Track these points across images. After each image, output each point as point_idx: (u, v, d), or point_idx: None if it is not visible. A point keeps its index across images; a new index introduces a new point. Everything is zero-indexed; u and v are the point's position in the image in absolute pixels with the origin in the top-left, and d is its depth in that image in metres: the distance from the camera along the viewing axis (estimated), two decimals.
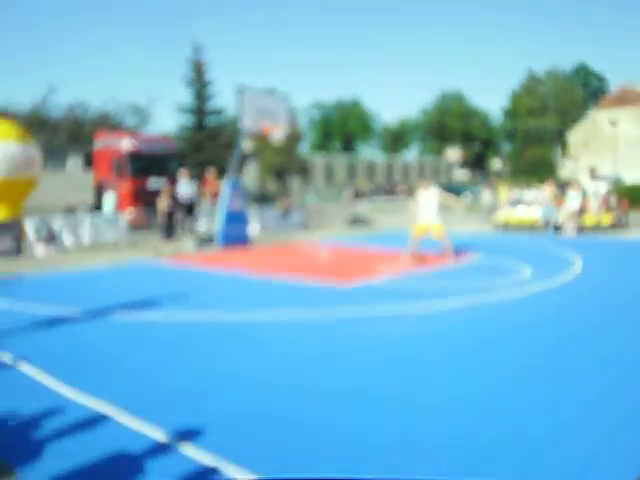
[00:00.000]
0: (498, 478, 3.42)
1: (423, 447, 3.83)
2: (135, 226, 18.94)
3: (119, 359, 6.04)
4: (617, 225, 19.51)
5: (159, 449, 3.86)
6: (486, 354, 5.95)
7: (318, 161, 72.04)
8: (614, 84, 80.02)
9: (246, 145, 39.32)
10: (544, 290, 9.27)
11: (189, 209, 17.84)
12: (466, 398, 4.69)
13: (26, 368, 5.71)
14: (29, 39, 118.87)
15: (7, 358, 6.07)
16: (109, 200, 21.14)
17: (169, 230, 16.10)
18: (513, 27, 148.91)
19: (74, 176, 33.05)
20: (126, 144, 23.90)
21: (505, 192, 25.43)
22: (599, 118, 62.44)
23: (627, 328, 6.98)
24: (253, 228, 19.85)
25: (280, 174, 56.62)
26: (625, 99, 63.05)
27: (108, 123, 43.40)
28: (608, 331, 6.83)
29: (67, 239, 17.24)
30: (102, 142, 25.85)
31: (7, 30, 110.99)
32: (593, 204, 20.22)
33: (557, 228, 19.50)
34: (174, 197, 16.94)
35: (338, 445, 3.88)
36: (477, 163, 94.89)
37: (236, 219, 16.63)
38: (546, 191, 19.96)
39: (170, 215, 16.13)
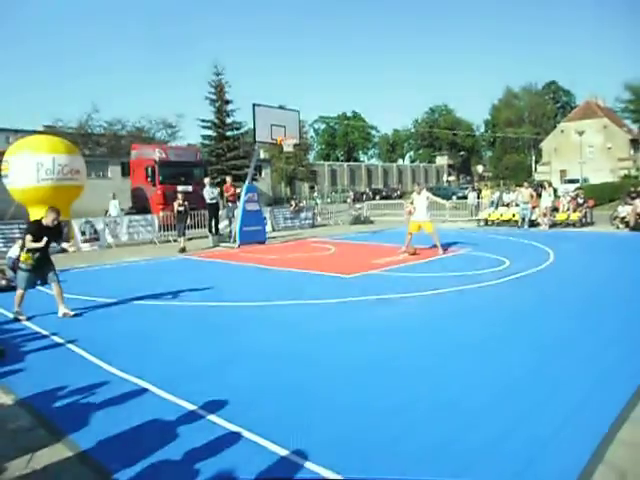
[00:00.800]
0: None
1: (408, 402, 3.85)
2: (167, 226, 19.00)
3: (155, 339, 6.09)
4: (584, 221, 19.41)
5: (188, 418, 3.90)
6: (468, 325, 5.95)
7: (324, 168, 71.97)
8: (580, 99, 79.47)
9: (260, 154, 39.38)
10: (523, 276, 9.26)
11: (213, 211, 17.86)
12: (441, 354, 4.71)
13: (75, 349, 5.77)
14: (77, 67, 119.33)
15: (60, 340, 6.14)
16: (113, 206, 21.60)
17: (183, 228, 15.96)
18: (493, 50, 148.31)
19: (114, 183, 33.15)
20: (157, 154, 23.94)
21: (487, 193, 25.36)
22: (567, 128, 62.09)
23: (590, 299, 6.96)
24: (267, 227, 19.88)
25: (291, 179, 56.66)
26: (589, 112, 62.71)
27: (142, 136, 43.53)
28: (575, 301, 6.82)
29: (108, 238, 17.33)
30: (137, 153, 25.91)
31: (58, 59, 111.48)
32: (563, 203, 20.16)
33: (532, 224, 19.47)
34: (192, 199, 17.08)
35: (342, 408, 3.91)
36: (463, 168, 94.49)
37: (253, 219, 16.66)
38: (523, 192, 19.89)
39: (182, 215, 15.95)
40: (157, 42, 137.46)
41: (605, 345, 5.32)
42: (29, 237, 7.10)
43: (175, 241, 18.23)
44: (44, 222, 7.31)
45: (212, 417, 3.88)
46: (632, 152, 57.52)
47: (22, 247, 7.44)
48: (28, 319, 7.18)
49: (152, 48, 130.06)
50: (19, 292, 7.34)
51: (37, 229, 7.23)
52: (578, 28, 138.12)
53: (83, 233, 16.71)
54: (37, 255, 7.23)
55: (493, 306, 7.28)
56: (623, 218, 17.87)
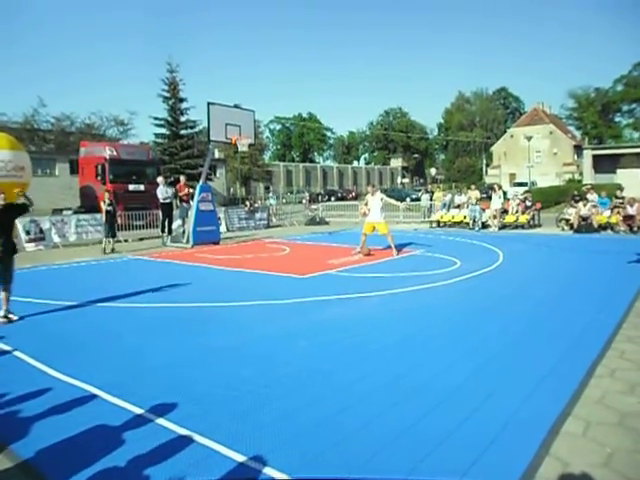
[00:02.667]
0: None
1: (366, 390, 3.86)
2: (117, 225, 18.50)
3: (105, 343, 5.89)
4: (532, 223, 20.06)
5: (138, 422, 3.78)
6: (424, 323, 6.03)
7: (280, 168, 71.80)
8: (528, 105, 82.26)
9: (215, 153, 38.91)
10: (474, 275, 9.47)
11: (167, 211, 17.52)
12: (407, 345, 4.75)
13: (19, 354, 5.52)
14: (20, 55, 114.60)
15: (2, 346, 5.86)
16: None
17: (111, 229, 15.31)
18: (445, 56, 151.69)
19: (62, 180, 32.06)
20: (107, 152, 23.31)
21: (439, 196, 25.86)
22: (516, 133, 64.18)
23: (536, 297, 7.18)
24: (222, 227, 19.66)
25: (246, 179, 56.23)
26: (537, 118, 65.06)
27: (92, 133, 42.27)
28: (522, 299, 7.02)
29: (55, 237, 16.73)
30: (86, 150, 25.15)
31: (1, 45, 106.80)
32: (513, 205, 20.77)
33: (483, 225, 19.98)
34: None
35: (295, 409, 3.88)
36: (417, 170, 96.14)
37: (206, 219, 16.43)
38: (471, 194, 20.41)
39: (110, 214, 15.29)
40: (111, 35, 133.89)
41: (547, 341, 5.49)
42: None
43: (126, 241, 17.81)
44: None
45: (162, 421, 3.77)
46: (576, 157, 59.93)
47: None
48: None
49: (106, 41, 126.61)
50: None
51: None
52: (526, 39, 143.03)
53: (28, 232, 16.06)
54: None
55: (445, 305, 7.40)
56: (568, 220, 18.57)
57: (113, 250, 14.99)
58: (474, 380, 4.48)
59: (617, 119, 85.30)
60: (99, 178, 22.79)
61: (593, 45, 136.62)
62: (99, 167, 22.98)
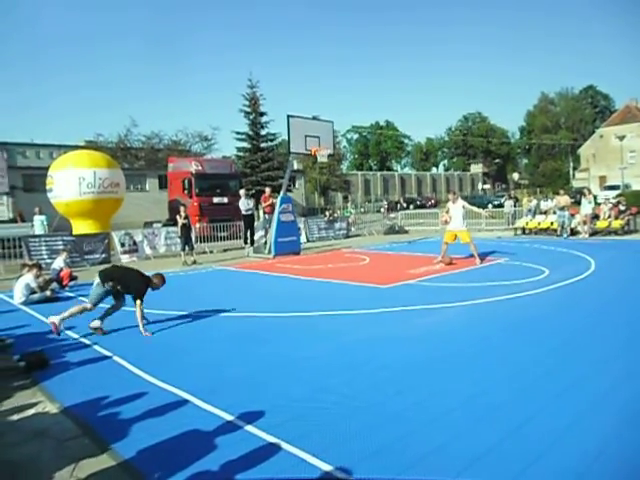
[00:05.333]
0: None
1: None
2: (203, 237, 19.28)
3: (194, 350, 6.15)
4: (627, 229, 18.81)
5: (228, 428, 3.90)
6: (506, 340, 5.80)
7: (357, 178, 71.94)
8: (619, 102, 77.46)
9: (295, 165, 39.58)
10: (563, 285, 9.01)
11: (249, 222, 18.04)
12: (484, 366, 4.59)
13: (117, 359, 5.87)
14: (114, 81, 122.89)
15: (102, 350, 6.27)
16: (39, 223, 18.77)
17: (188, 242, 15.56)
18: (526, 56, 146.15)
19: (152, 195, 33.81)
20: (193, 166, 24.38)
21: (525, 201, 24.87)
22: (607, 133, 60.50)
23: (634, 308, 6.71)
24: (302, 237, 19.94)
25: (325, 190, 56.80)
26: (629, 115, 60.98)
27: (179, 149, 44.39)
28: (619, 311, 6.58)
29: (146, 249, 17.67)
30: (174, 165, 26.46)
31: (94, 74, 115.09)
32: (605, 210, 19.59)
33: (572, 232, 18.95)
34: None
35: (385, 417, 3.85)
36: (498, 176, 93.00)
37: (287, 230, 16.73)
38: (559, 199, 19.38)
39: (187, 228, 15.55)
40: (191, 54, 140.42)
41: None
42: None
43: (211, 252, 18.50)
44: (152, 286, 7.26)
45: (251, 428, 3.88)
46: None
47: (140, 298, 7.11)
48: (68, 329, 7.32)
49: (191, 63, 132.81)
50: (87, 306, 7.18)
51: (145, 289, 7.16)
52: (613, 33, 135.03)
53: (122, 244, 17.08)
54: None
55: (533, 316, 7.07)
56: None
57: (195, 262, 15.49)
58: (560, 400, 4.25)
59: None
60: (186, 192, 23.90)
61: None
62: (186, 181, 24.09)
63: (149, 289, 7.23)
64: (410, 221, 27.75)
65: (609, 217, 19.05)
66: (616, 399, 4.15)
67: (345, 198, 59.57)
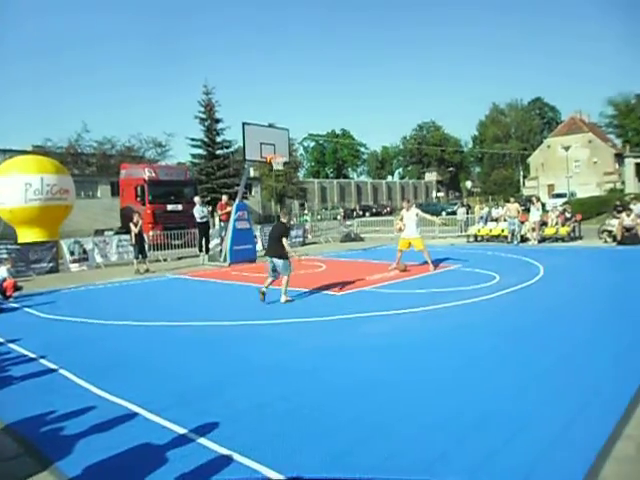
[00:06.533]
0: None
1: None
2: (157, 245, 18.91)
3: (146, 361, 6.00)
4: (572, 235, 19.54)
5: (179, 441, 3.81)
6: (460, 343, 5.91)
7: (314, 185, 72.19)
8: (565, 114, 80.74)
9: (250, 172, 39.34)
10: (514, 290, 9.26)
11: (204, 230, 17.81)
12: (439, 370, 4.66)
13: (64, 372, 5.66)
14: (66, 86, 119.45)
15: (48, 364, 6.03)
16: None
17: (141, 250, 15.32)
18: (478, 67, 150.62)
19: (104, 202, 32.97)
20: (147, 173, 23.93)
21: (477, 209, 25.50)
22: (554, 143, 62.84)
23: (579, 313, 6.96)
24: (258, 245, 19.82)
25: (281, 197, 56.70)
26: (574, 127, 63.69)
27: (132, 155, 43.48)
28: (566, 314, 6.81)
29: (97, 258, 17.19)
30: (126, 172, 25.90)
31: (46, 79, 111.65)
32: (552, 217, 20.30)
33: (522, 239, 19.55)
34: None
35: (339, 425, 3.85)
36: (452, 184, 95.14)
37: (243, 238, 16.62)
38: (510, 207, 19.95)
39: (140, 237, 15.31)
40: (148, 60, 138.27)
41: (591, 359, 5.31)
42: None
43: (165, 260, 18.16)
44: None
45: (202, 440, 3.80)
46: (617, 166, 58.26)
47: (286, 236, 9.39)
48: (12, 342, 7.04)
49: (144, 66, 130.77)
50: (286, 278, 9.35)
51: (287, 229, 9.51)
52: (560, 49, 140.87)
53: (72, 253, 16.57)
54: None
55: (484, 321, 7.24)
56: (610, 232, 18.01)
57: (148, 270, 15.20)
58: (519, 400, 4.36)
59: None
60: (139, 199, 23.42)
61: (632, 50, 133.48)
62: (139, 188, 23.62)
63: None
64: (366, 228, 28.03)
65: (556, 224, 19.76)
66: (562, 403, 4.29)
67: (302, 206, 59.64)
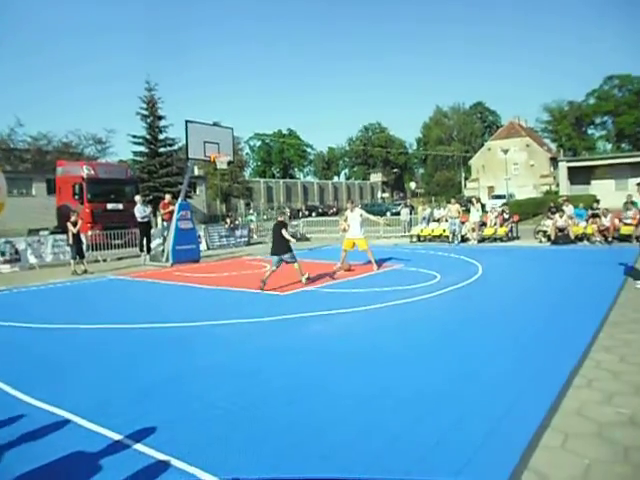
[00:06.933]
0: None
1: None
2: (95, 245, 18.32)
3: (80, 365, 5.79)
4: (510, 235, 20.29)
5: (115, 448, 3.70)
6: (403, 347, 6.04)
7: (260, 185, 71.82)
8: (505, 119, 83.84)
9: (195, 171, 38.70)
10: (454, 289, 9.52)
11: (145, 229, 17.38)
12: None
13: None
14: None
15: None
16: None
17: (78, 251, 14.90)
18: (423, 71, 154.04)
19: (39, 200, 31.60)
20: (85, 171, 23.11)
21: (420, 210, 26.07)
22: (494, 146, 65.16)
23: (514, 310, 7.25)
24: (202, 245, 19.55)
25: (226, 196, 56.10)
26: (513, 131, 66.29)
27: (70, 152, 41.89)
28: (501, 312, 7.08)
29: (31, 258, 16.47)
30: (63, 169, 24.91)
31: None
32: (491, 218, 20.99)
33: (462, 239, 20.13)
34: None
35: (279, 428, 3.84)
36: (397, 185, 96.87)
37: (186, 238, 16.34)
38: (450, 208, 20.49)
39: (77, 237, 14.90)
40: (89, 55, 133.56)
41: (525, 354, 5.54)
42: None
43: (104, 261, 17.62)
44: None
45: (139, 446, 3.70)
46: (552, 169, 61.02)
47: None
48: None
49: (83, 60, 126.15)
50: (296, 265, 10.87)
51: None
52: (501, 54, 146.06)
53: (2, 254, 15.79)
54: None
55: (424, 319, 7.42)
56: (545, 232, 18.82)
57: (85, 271, 14.72)
58: (454, 395, 4.49)
59: (590, 131, 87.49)
60: (77, 197, 22.58)
61: (566, 60, 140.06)
62: (76, 186, 22.78)
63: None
64: (312, 228, 28.13)
65: (495, 225, 20.47)
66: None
67: (247, 205, 59.21)
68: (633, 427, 3.79)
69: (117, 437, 3.87)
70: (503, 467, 3.23)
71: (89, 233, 18.47)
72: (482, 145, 75.05)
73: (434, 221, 22.61)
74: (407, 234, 23.71)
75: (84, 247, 15.67)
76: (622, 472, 3.20)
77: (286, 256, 10.70)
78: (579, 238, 17.97)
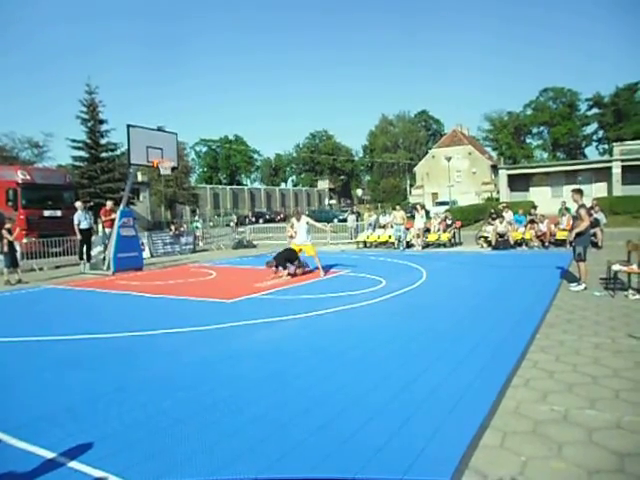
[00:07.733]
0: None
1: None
2: (31, 254, 17.56)
3: (14, 381, 5.50)
4: (453, 241, 20.82)
5: (48, 467, 3.53)
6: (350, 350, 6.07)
7: (206, 191, 70.90)
8: (448, 127, 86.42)
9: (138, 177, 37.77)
10: (398, 294, 9.67)
11: (85, 237, 16.78)
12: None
13: None
14: None
15: None
16: None
17: (12, 259, 14.28)
18: (368, 79, 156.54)
19: None
20: (19, 175, 22.11)
21: (366, 216, 26.40)
22: (438, 154, 66.95)
23: (456, 314, 7.43)
24: (145, 253, 19.08)
25: (171, 203, 55.07)
26: (456, 139, 68.32)
27: (3, 156, 40.05)
28: (443, 315, 7.24)
29: None
30: None
31: None
32: (434, 224, 21.49)
33: (407, 245, 20.50)
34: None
35: (220, 440, 3.77)
36: (343, 192, 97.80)
37: (128, 245, 15.90)
38: (396, 215, 20.83)
39: (11, 245, 14.28)
40: (27, 54, 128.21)
41: (467, 356, 5.68)
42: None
43: (40, 269, 16.92)
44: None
45: (74, 464, 3.54)
46: (493, 177, 63.21)
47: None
48: None
49: (22, 60, 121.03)
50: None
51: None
52: (444, 64, 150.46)
53: None
54: None
55: (368, 324, 7.48)
56: (486, 238, 19.43)
57: (20, 281, 14.06)
58: (397, 399, 4.54)
59: (528, 140, 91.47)
60: (10, 204, 21.55)
61: (506, 70, 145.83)
62: (10, 192, 21.74)
63: None
64: (259, 235, 27.98)
65: (438, 230, 20.97)
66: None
67: (193, 212, 58.29)
68: (566, 424, 3.95)
69: (50, 455, 3.69)
70: (445, 467, 3.30)
71: (24, 241, 17.66)
72: (426, 153, 76.93)
73: (380, 227, 22.93)
74: (354, 240, 23.96)
75: (18, 255, 14.95)
76: (557, 467, 3.33)
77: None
78: (518, 243, 18.67)
